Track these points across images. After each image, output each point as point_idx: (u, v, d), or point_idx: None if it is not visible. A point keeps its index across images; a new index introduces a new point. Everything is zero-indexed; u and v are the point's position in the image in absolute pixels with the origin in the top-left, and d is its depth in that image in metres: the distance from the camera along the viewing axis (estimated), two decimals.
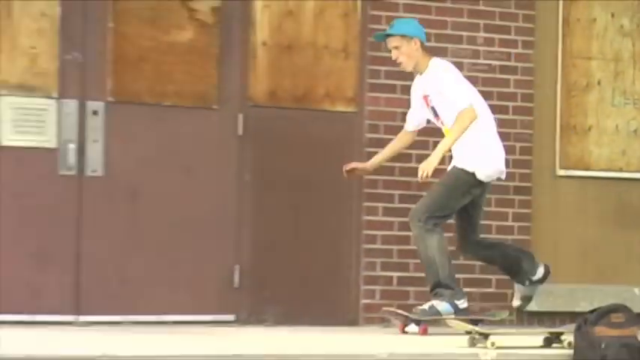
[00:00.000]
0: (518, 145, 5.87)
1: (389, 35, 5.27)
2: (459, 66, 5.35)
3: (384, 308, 5.63)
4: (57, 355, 3.58)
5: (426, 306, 5.29)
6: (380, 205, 5.62)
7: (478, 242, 5.54)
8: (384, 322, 5.53)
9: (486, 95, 5.30)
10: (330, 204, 5.56)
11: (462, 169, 5.20)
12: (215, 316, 5.40)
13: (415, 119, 5.44)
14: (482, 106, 5.11)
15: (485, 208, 5.36)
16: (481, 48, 5.87)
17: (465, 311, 5.38)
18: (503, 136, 5.25)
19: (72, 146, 5.10)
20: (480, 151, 5.10)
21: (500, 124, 5.38)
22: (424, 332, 5.26)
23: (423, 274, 5.22)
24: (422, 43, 5.27)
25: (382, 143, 5.34)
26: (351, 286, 5.65)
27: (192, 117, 5.25)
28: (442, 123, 5.13)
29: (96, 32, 5.18)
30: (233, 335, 4.80)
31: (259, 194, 5.50)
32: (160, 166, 5.22)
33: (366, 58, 5.63)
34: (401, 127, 5.24)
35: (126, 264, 5.17)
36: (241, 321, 5.45)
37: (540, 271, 5.58)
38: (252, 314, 5.48)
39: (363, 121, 5.61)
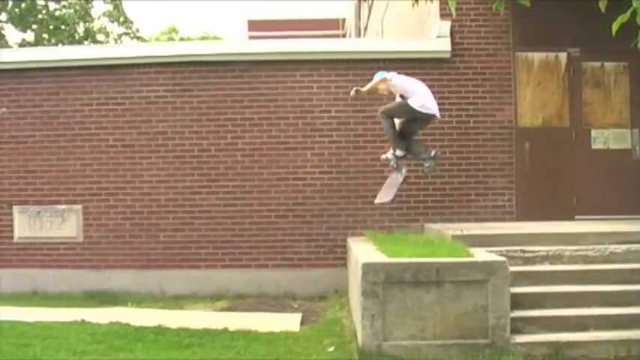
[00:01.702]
0: None
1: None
2: None
3: None
4: None
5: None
6: None
7: (410, 137, 9.41)
8: None
9: None
10: None
11: (406, 103, 9.06)
12: None
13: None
14: (416, 85, 9.18)
15: None
16: None
17: (401, 157, 9.43)
18: None
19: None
20: (413, 99, 9.05)
21: None
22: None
23: None
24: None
25: None
26: None
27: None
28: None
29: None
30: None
31: None
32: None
33: None
34: None
35: None
36: None
37: (431, 154, 9.45)
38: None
39: None
